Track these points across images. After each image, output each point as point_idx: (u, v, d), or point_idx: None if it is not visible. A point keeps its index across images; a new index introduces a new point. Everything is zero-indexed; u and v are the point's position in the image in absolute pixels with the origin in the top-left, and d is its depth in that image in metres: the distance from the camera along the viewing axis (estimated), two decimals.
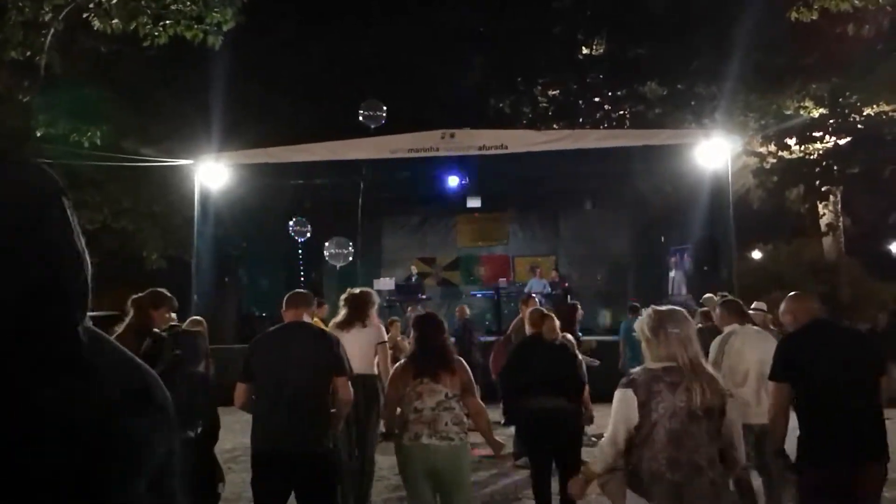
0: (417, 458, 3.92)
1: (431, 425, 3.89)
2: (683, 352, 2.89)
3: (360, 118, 11.28)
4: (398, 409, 4.04)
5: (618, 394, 2.96)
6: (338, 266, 13.93)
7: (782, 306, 4.05)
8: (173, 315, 4.98)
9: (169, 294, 4.74)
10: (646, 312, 3.13)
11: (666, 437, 2.81)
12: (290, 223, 13.98)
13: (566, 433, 5.02)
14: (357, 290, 5.77)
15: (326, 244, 13.14)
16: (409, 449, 3.94)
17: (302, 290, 4.51)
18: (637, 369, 3.06)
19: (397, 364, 4.29)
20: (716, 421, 2.87)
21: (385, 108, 11.37)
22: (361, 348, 5.34)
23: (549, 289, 15.64)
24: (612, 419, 2.97)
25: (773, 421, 3.81)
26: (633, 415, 2.86)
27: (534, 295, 15.46)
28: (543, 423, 5.00)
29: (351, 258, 13.57)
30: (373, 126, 11.66)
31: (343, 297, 5.77)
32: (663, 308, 3.14)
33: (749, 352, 4.88)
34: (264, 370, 4.01)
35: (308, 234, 14.01)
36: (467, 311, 12.04)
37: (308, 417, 3.90)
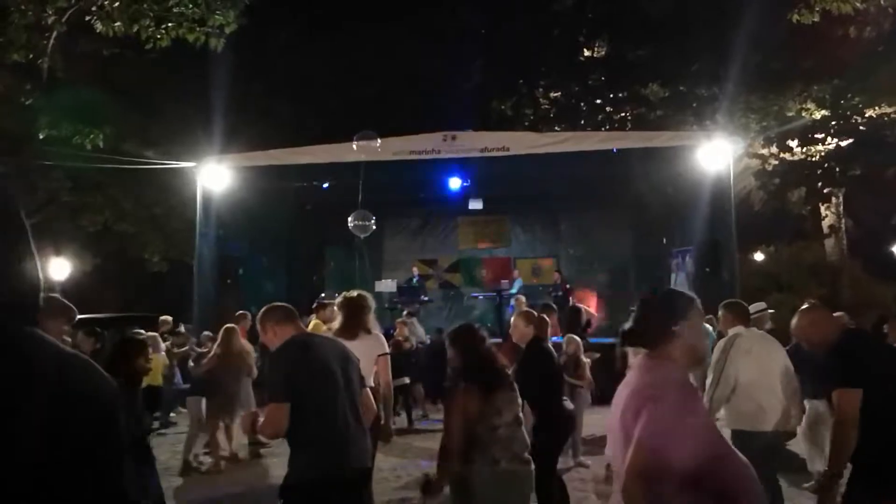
0: (506, 489, 3.37)
1: (508, 446, 3.41)
2: None
3: (355, 147, 11.21)
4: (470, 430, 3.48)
5: None
6: (362, 236, 13.64)
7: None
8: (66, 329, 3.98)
9: (67, 303, 3.84)
10: None
11: None
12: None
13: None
14: (354, 294, 5.22)
15: (350, 217, 12.96)
16: (491, 479, 3.35)
17: (281, 304, 3.85)
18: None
19: (457, 389, 3.61)
20: None
21: (378, 139, 11.25)
22: (363, 358, 4.50)
23: (515, 290, 15.75)
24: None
25: (845, 435, 3.37)
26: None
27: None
28: (566, 425, 5.01)
29: (374, 228, 13.27)
30: (365, 158, 11.54)
31: (338, 300, 5.28)
32: None
33: (761, 355, 4.73)
34: (313, 388, 3.37)
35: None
36: (406, 330, 11.30)
37: (363, 433, 3.54)
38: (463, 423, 3.40)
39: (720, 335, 5.13)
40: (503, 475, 3.34)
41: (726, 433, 4.52)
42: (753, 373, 4.63)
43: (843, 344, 3.57)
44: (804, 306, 4.09)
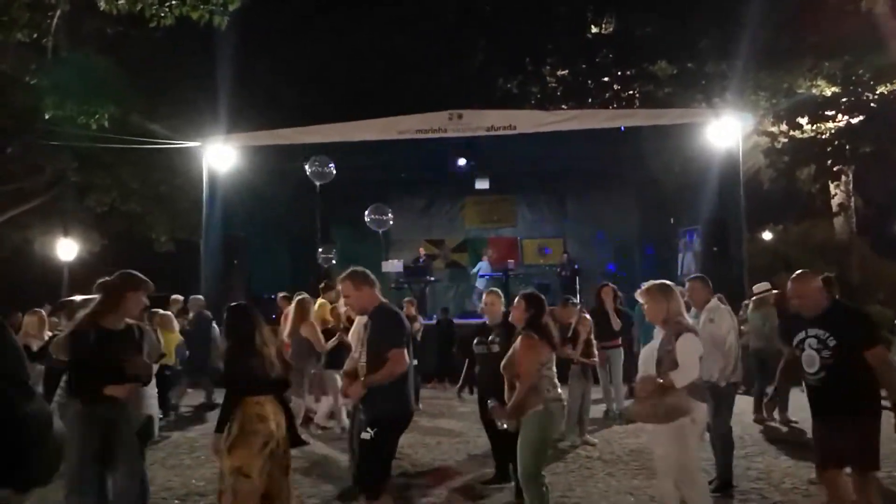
0: (560, 414, 4.79)
1: (556, 386, 4.71)
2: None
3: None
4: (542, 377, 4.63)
5: (690, 337, 4.27)
6: (381, 231, 14.00)
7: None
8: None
9: (145, 278, 4.49)
10: (663, 283, 4.57)
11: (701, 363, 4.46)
12: (309, 162, 13.51)
13: None
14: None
15: (367, 211, 13.04)
16: (558, 406, 4.67)
17: (363, 269, 4.71)
18: (685, 321, 4.43)
19: (535, 340, 4.68)
20: None
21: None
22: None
23: (476, 270, 16.35)
24: (692, 356, 4.23)
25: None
26: (702, 350, 4.35)
27: (482, 276, 15.82)
28: None
29: (391, 223, 13.62)
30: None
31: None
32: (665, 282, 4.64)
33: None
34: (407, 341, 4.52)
35: (333, 175, 13.62)
36: (414, 310, 10.52)
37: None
38: (536, 365, 4.58)
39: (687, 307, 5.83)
40: (561, 405, 4.72)
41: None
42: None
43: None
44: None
